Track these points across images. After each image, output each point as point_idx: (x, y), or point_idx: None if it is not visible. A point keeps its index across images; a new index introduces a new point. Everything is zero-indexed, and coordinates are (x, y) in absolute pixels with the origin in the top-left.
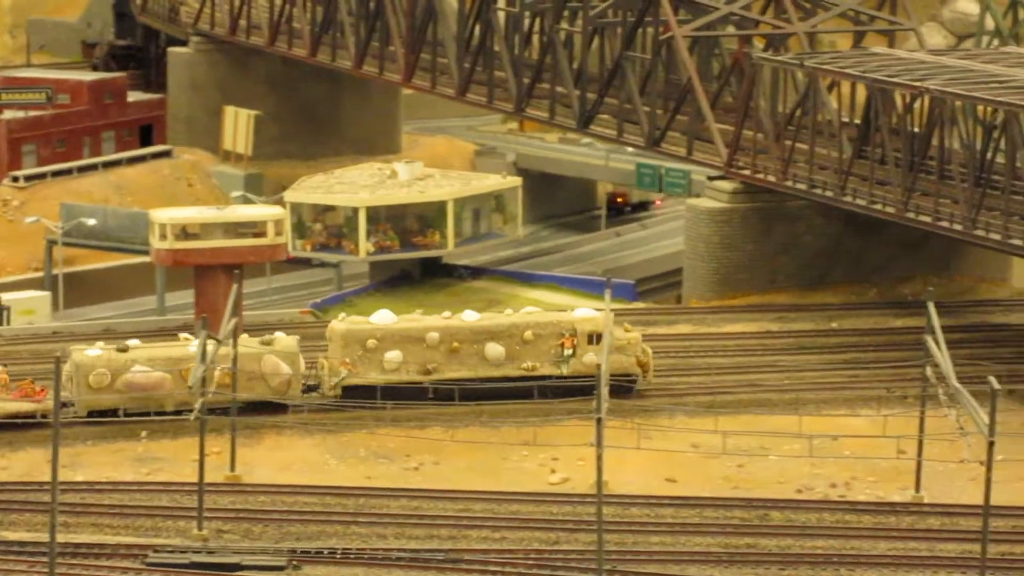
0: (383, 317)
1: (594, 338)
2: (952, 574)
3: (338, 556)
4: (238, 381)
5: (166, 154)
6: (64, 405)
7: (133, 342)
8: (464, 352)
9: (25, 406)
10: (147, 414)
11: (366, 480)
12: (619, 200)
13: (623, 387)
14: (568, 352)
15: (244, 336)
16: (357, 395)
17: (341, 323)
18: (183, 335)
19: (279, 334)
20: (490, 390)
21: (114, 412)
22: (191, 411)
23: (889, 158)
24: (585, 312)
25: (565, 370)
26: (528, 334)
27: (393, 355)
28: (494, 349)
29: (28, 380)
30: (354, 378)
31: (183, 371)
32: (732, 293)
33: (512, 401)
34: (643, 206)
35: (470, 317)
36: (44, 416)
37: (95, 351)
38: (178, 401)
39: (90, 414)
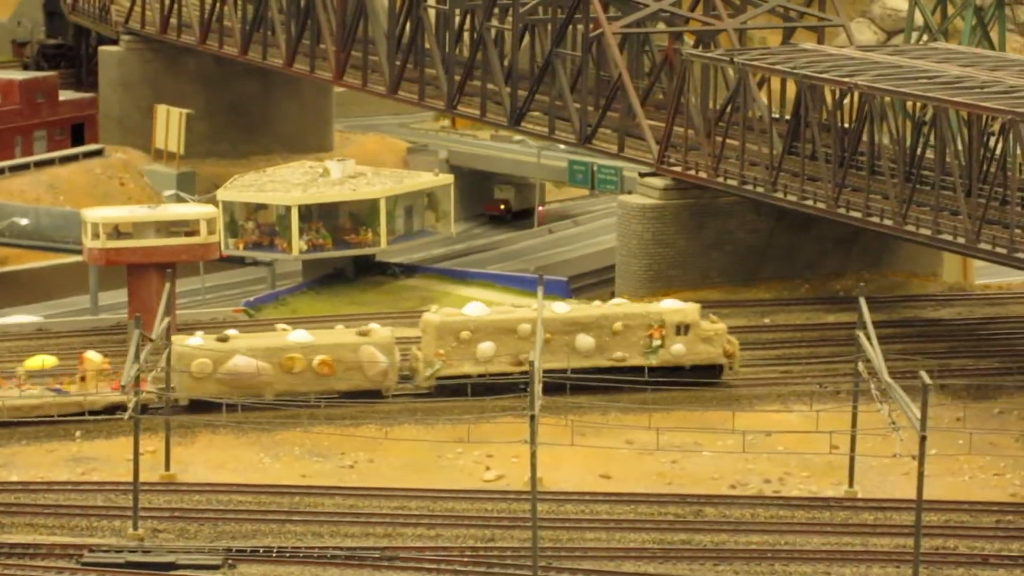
0: (476, 309)
1: (681, 329)
2: (886, 568)
3: (273, 555)
4: (337, 370)
5: (98, 153)
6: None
7: (232, 332)
8: (555, 343)
9: (122, 397)
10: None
11: (301, 478)
12: (501, 208)
13: (710, 377)
14: (656, 343)
15: (340, 327)
16: (451, 386)
17: (435, 315)
18: (280, 326)
19: (374, 325)
20: (580, 380)
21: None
22: (293, 402)
23: (820, 154)
24: (672, 304)
25: (653, 361)
26: (617, 325)
27: (486, 346)
28: (584, 340)
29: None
30: (448, 369)
31: (284, 360)
32: (665, 289)
33: (450, 399)
34: (525, 213)
35: (561, 309)
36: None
37: (196, 340)
38: (278, 391)
39: (192, 403)
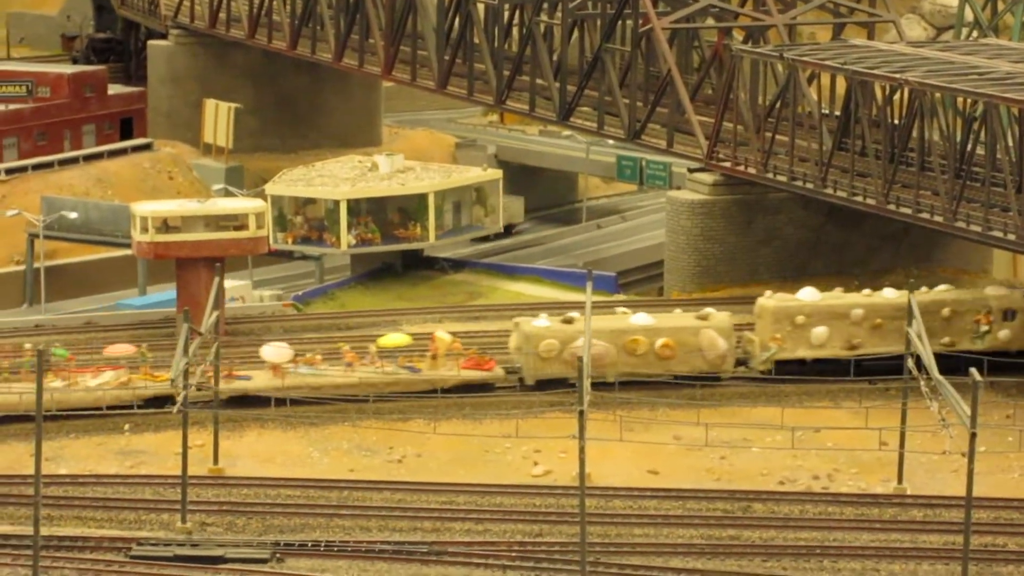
0: (809, 294)
1: (1009, 314)
2: (935, 565)
3: (321, 548)
4: (678, 353)
5: (147, 147)
6: (510, 372)
7: (574, 314)
8: (886, 328)
9: (476, 375)
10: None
11: (349, 473)
12: None
13: None
14: (984, 328)
15: (678, 311)
16: (786, 369)
17: (770, 300)
18: (620, 309)
19: (709, 309)
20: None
21: (562, 382)
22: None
23: (869, 150)
24: (999, 290)
25: (981, 346)
26: (946, 311)
27: (820, 331)
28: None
29: (473, 350)
30: (783, 353)
31: (627, 342)
32: (713, 285)
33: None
34: (507, 229)
35: (891, 294)
36: (495, 385)
37: (543, 322)
38: (620, 372)
39: (538, 383)
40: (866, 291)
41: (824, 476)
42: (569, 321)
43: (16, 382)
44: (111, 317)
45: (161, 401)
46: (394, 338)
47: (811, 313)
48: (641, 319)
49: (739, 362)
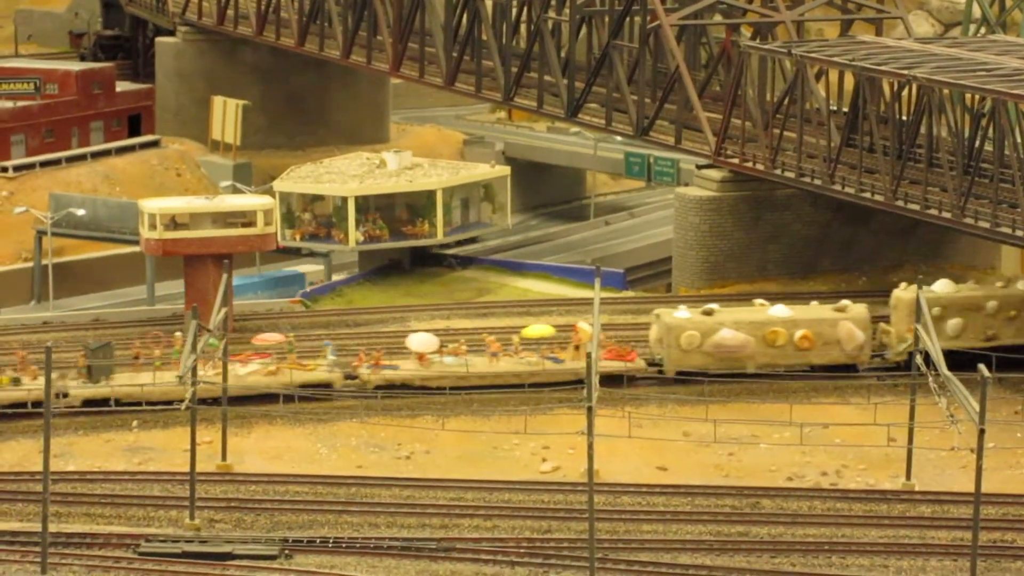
0: (944, 286)
1: None
2: (943, 561)
3: (330, 545)
4: (816, 344)
5: (154, 144)
6: (651, 364)
7: (713, 306)
8: (1021, 319)
9: (618, 365)
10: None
11: (357, 469)
12: None
13: None
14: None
15: (815, 303)
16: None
17: (907, 292)
18: (758, 301)
19: (846, 301)
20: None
21: (701, 372)
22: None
23: (877, 146)
24: None
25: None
26: (991, 305)
27: (954, 323)
28: None
29: (612, 341)
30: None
31: (767, 334)
32: (721, 281)
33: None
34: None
35: None
36: (633, 377)
37: (684, 313)
38: (759, 363)
39: (678, 374)
40: (999, 282)
41: (832, 472)
42: (709, 313)
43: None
44: (119, 314)
45: (312, 389)
46: (537, 329)
47: (947, 305)
48: (780, 311)
49: (874, 354)
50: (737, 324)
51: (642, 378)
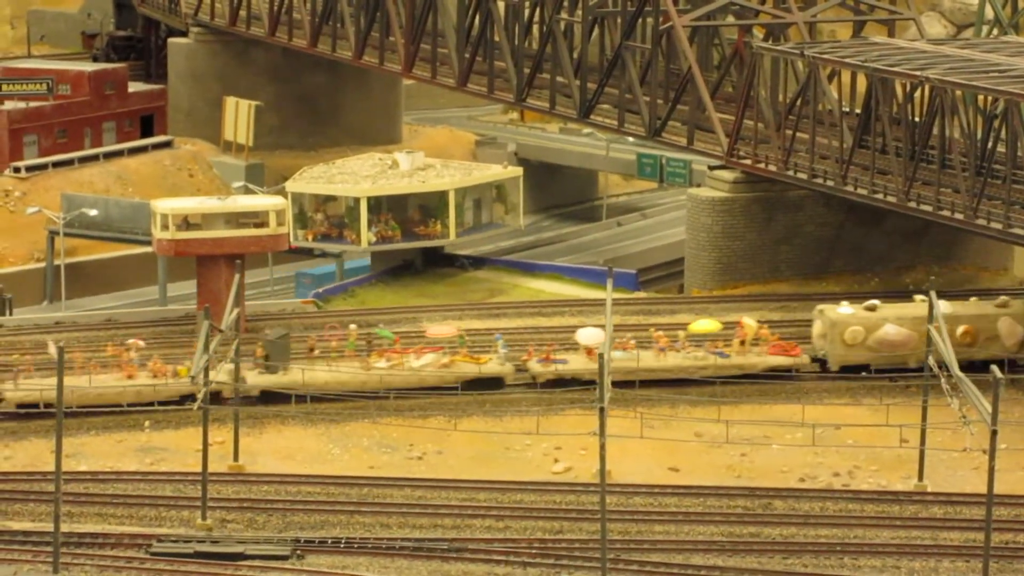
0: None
1: None
2: (955, 563)
3: (342, 545)
4: (978, 340)
5: (167, 144)
6: (815, 360)
7: (875, 301)
8: None
9: (783, 360)
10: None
11: (369, 469)
12: None
13: None
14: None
15: (975, 299)
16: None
17: None
18: (919, 296)
19: (1005, 297)
20: None
21: (864, 367)
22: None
23: (890, 147)
24: None
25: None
26: None
27: None
28: None
29: (775, 336)
30: None
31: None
32: (734, 282)
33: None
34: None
35: None
36: (797, 371)
37: (847, 309)
38: (920, 359)
39: (842, 369)
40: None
41: (844, 473)
42: (872, 308)
43: (343, 361)
44: (131, 314)
45: (483, 383)
46: (703, 324)
47: None
48: (942, 307)
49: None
50: (900, 320)
51: (806, 372)
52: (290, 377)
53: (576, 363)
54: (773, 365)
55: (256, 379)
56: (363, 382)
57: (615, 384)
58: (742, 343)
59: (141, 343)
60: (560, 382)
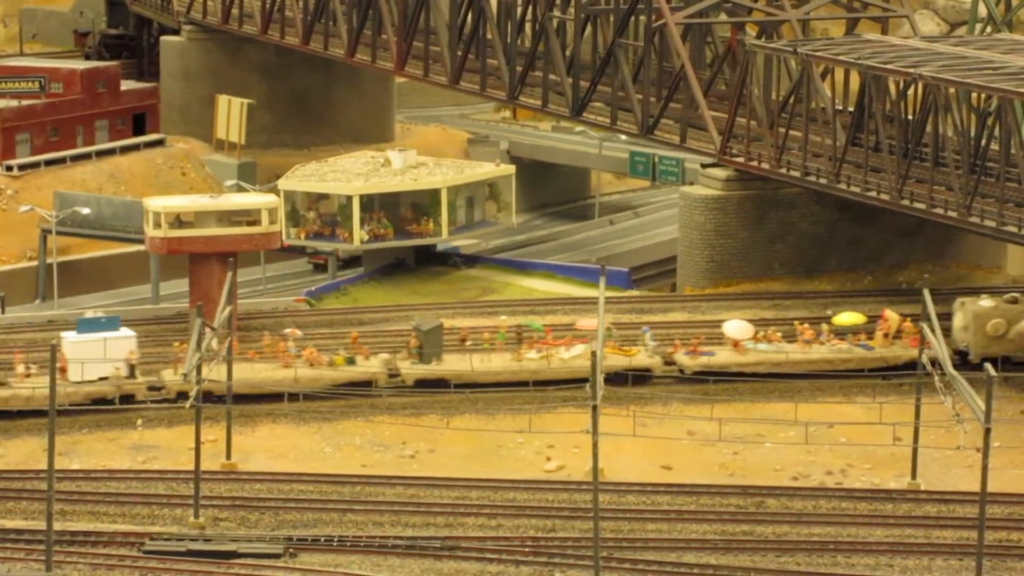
0: None
1: None
2: (949, 561)
3: (335, 543)
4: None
5: (159, 143)
6: (957, 353)
7: (1017, 294)
8: None
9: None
10: None
11: (362, 468)
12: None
13: None
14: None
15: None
16: None
17: None
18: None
19: (1014, 294)
20: None
21: (1006, 360)
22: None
23: (883, 145)
24: None
25: None
26: None
27: None
28: None
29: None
30: None
31: None
32: (727, 281)
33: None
34: (355, 260)
35: None
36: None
37: (988, 302)
38: None
39: (982, 360)
40: None
41: (837, 472)
42: (1015, 301)
43: (494, 352)
44: (124, 313)
45: (633, 375)
46: (848, 316)
47: None
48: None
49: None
50: None
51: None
52: (444, 367)
53: (723, 356)
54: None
55: (410, 370)
56: (514, 372)
57: (760, 376)
58: (886, 336)
59: (298, 332)
60: (706, 374)
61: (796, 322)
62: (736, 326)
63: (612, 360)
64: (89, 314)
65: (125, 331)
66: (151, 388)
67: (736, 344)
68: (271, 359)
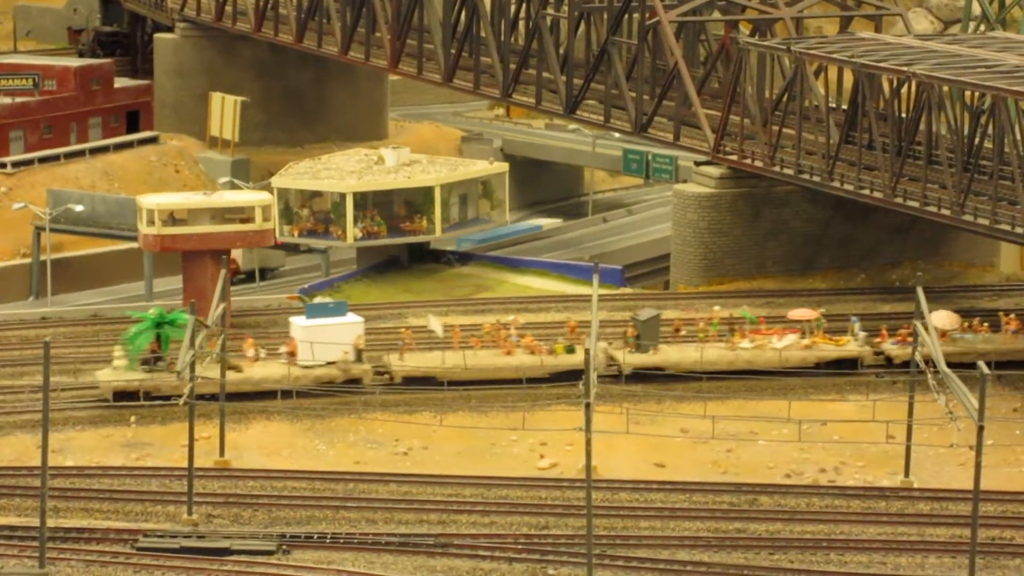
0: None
1: None
2: (942, 558)
3: (328, 541)
4: None
5: (153, 140)
6: None
7: None
8: None
9: None
10: None
11: (355, 465)
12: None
13: None
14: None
15: None
16: None
17: None
18: None
19: None
20: None
21: None
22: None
23: (877, 143)
24: None
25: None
26: None
27: None
28: None
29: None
30: None
31: None
32: (720, 278)
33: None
34: (263, 273)
35: None
36: None
37: None
38: None
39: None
40: None
41: (831, 469)
42: None
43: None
44: (118, 310)
45: (840, 364)
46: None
47: None
48: None
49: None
50: None
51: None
52: (660, 356)
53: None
54: None
55: (627, 358)
56: (730, 362)
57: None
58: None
59: (520, 320)
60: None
61: (1001, 313)
62: (943, 316)
63: (823, 350)
64: (317, 300)
65: (352, 316)
66: (378, 372)
67: (944, 335)
68: (492, 346)
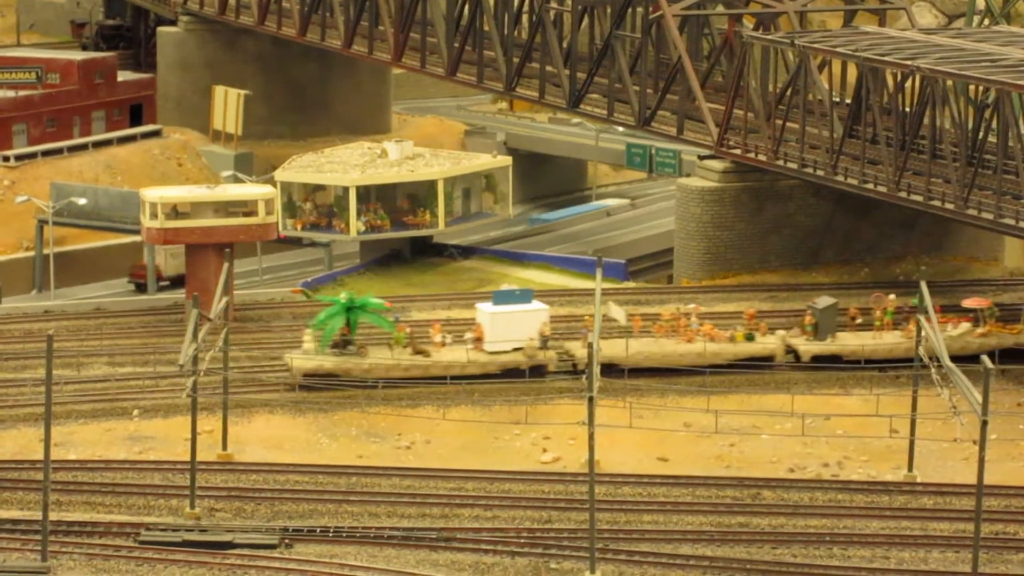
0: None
1: None
2: (945, 553)
3: (330, 534)
4: None
5: (156, 133)
6: None
7: None
8: None
9: None
10: None
11: (358, 459)
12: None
13: None
14: None
15: None
16: None
17: None
18: None
19: None
20: None
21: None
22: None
23: (880, 137)
24: None
25: None
26: None
27: None
28: None
29: None
30: None
31: None
32: (723, 272)
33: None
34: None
35: None
36: None
37: None
38: None
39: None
40: None
41: (834, 463)
42: None
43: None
44: (121, 303)
45: (1016, 354)
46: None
47: None
48: None
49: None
50: None
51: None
52: (838, 343)
53: None
54: None
55: (806, 346)
56: (907, 350)
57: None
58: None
59: (701, 308)
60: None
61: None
62: None
63: (999, 337)
64: (504, 287)
65: (538, 304)
66: (563, 359)
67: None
68: (672, 334)
